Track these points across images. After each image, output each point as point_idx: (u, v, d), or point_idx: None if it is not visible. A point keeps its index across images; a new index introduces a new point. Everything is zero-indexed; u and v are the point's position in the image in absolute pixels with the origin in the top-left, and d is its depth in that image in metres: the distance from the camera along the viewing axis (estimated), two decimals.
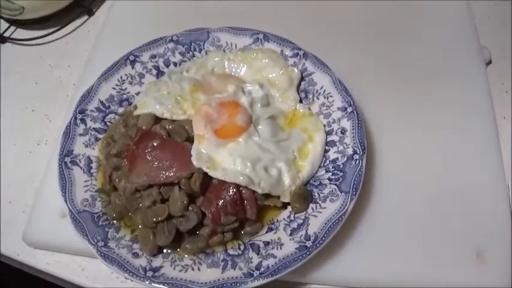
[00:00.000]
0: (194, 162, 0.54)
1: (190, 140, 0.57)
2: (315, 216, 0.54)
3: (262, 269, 0.51)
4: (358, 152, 0.56)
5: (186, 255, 0.54)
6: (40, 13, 0.80)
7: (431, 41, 0.74)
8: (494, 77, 0.71)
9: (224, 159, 0.55)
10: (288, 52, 0.65)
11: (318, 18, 0.78)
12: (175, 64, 0.67)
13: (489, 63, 0.73)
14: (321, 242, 0.51)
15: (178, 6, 0.80)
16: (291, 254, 0.51)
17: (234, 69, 0.65)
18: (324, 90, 0.62)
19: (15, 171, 0.67)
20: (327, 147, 0.59)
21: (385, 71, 0.71)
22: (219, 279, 0.51)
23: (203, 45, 0.67)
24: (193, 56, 0.67)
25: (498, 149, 0.64)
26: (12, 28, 0.82)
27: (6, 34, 0.81)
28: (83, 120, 0.61)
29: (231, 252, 0.54)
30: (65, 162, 0.58)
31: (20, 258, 0.61)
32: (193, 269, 0.52)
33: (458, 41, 0.74)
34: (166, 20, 0.78)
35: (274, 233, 0.55)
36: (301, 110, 0.62)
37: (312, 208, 0.55)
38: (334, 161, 0.58)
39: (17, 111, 0.73)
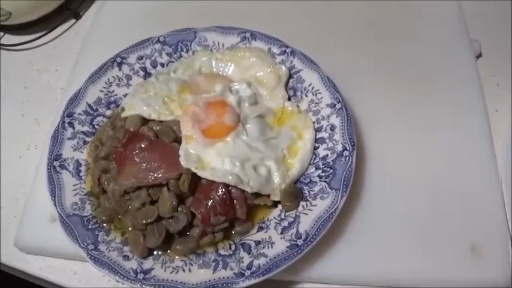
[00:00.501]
0: (182, 163, 0.54)
1: (178, 140, 0.56)
2: (306, 214, 0.54)
3: (253, 269, 0.50)
4: (348, 149, 0.56)
5: (176, 257, 0.53)
6: (28, 18, 0.79)
7: (429, 41, 0.74)
8: (485, 70, 0.71)
9: (212, 159, 0.55)
10: (275, 50, 0.65)
11: (317, 18, 0.77)
12: (162, 65, 0.66)
13: (479, 56, 0.73)
14: (312, 240, 0.51)
15: (166, 8, 0.79)
16: (282, 253, 0.51)
17: (221, 69, 0.65)
18: (313, 87, 0.62)
19: (8, 176, 0.67)
20: (316, 145, 0.59)
21: (384, 71, 0.70)
22: (210, 280, 0.50)
23: (190, 45, 0.67)
24: (181, 56, 0.67)
25: (491, 144, 0.63)
26: (0, 34, 0.82)
27: None
28: (71, 124, 0.61)
29: (222, 252, 0.54)
30: (54, 166, 0.58)
31: (12, 264, 0.61)
32: (184, 270, 0.52)
33: (454, 39, 0.73)
34: (154, 22, 0.77)
35: (265, 232, 0.55)
36: (289, 108, 0.61)
37: (303, 206, 0.55)
38: (324, 158, 0.58)
39: (8, 116, 0.73)
